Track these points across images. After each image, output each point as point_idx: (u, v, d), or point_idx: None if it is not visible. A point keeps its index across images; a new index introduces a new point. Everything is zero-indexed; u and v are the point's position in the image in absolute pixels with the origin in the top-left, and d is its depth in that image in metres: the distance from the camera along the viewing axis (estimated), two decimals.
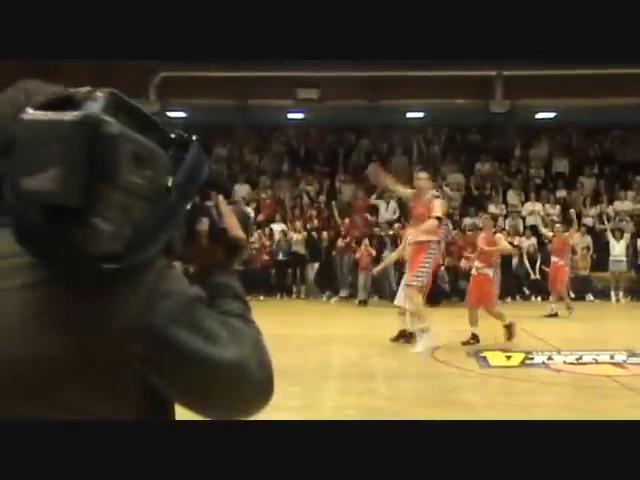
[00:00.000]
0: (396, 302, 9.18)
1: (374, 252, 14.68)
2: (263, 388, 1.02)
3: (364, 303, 14.44)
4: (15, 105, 1.03)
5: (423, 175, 9.02)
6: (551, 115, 20.54)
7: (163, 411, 1.04)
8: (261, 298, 14.31)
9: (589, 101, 18.85)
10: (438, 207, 8.49)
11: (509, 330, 9.07)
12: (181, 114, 21.06)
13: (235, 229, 1.13)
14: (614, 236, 15.72)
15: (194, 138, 1.05)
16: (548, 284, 13.45)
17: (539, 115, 20.51)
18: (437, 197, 8.77)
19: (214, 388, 0.98)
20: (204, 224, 1.10)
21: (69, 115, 0.90)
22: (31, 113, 0.92)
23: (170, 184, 0.96)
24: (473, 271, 9.48)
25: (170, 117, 20.70)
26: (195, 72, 18.35)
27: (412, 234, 8.69)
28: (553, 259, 13.14)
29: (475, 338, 9.03)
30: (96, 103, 0.95)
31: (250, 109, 20.51)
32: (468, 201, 17.66)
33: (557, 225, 13.70)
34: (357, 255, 14.86)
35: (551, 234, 13.64)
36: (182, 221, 1.03)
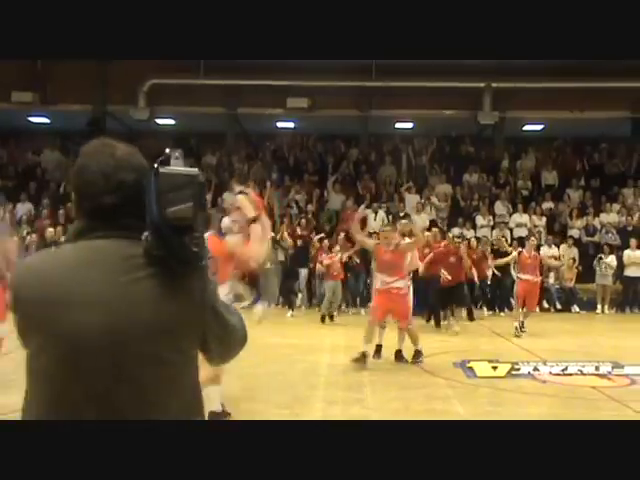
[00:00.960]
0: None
1: (345, 260, 13.99)
2: (244, 341, 1.79)
3: (330, 318, 13.12)
4: (115, 158, 1.63)
5: (388, 229, 8.88)
6: (539, 127, 20.72)
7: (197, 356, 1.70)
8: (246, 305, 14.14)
9: (577, 114, 19.04)
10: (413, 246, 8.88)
11: (417, 355, 8.59)
12: (170, 121, 21.04)
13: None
14: (602, 251, 15.87)
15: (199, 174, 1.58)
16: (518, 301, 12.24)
17: (527, 127, 20.69)
18: (403, 240, 8.87)
19: (226, 336, 1.72)
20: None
21: (193, 171, 1.55)
22: (164, 168, 1.53)
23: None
24: (380, 285, 8.49)
25: (159, 124, 20.70)
26: (184, 80, 18.36)
27: (384, 281, 8.39)
28: (526, 276, 11.92)
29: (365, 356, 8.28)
30: (180, 160, 1.57)
31: (240, 117, 20.52)
32: (456, 212, 17.73)
33: (532, 239, 12.87)
34: (326, 261, 13.77)
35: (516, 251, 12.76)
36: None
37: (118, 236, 1.58)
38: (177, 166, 1.56)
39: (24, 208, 17.52)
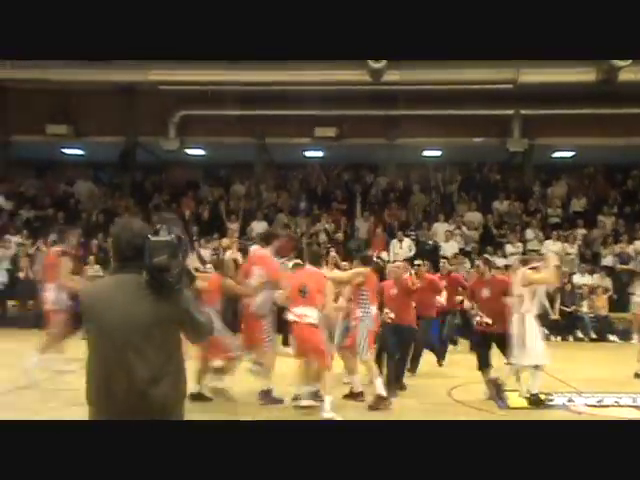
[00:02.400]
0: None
1: None
2: (209, 332, 3.14)
3: None
4: (132, 231, 2.98)
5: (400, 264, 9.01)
6: (569, 154, 20.50)
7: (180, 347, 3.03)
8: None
9: (608, 140, 18.82)
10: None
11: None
12: (200, 151, 21.30)
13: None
14: (637, 279, 15.49)
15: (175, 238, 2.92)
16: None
17: (557, 154, 20.48)
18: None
19: (196, 330, 3.03)
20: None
21: (170, 238, 2.85)
22: (154, 237, 2.86)
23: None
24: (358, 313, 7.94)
25: (189, 154, 20.97)
26: (214, 110, 18.61)
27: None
28: None
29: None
30: (166, 231, 3.49)
31: (268, 147, 20.70)
32: (486, 240, 17.56)
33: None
34: None
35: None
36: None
37: (133, 272, 2.92)
38: (163, 236, 2.90)
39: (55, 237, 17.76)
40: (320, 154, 21.20)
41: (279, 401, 7.73)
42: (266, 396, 7.77)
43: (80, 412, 3.06)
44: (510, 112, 18.77)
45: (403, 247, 16.45)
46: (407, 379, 8.96)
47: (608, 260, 16.84)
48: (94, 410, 2.95)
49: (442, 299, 10.12)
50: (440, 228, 17.50)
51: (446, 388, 8.77)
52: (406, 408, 7.66)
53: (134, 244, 2.92)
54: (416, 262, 10.26)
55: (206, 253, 15.46)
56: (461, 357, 11.13)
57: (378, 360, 8.28)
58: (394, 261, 12.73)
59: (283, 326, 9.01)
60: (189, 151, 20.76)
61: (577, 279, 16.16)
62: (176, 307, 2.89)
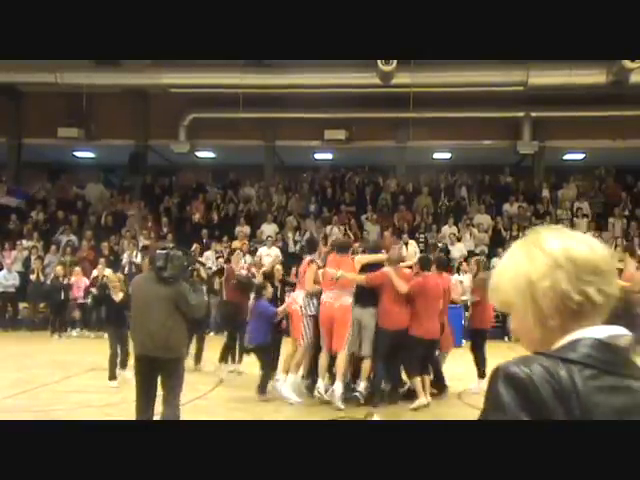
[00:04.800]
0: None
1: None
2: (201, 310, 5.81)
3: None
4: (164, 250, 5.70)
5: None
6: (580, 156, 20.43)
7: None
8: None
9: (618, 142, 18.75)
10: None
11: None
12: (210, 154, 21.38)
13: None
14: None
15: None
16: None
17: (567, 156, 20.42)
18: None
19: (187, 307, 5.38)
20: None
21: (166, 251, 5.54)
22: (158, 251, 5.62)
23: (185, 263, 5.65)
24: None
25: (199, 157, 21.05)
26: (224, 113, 18.69)
27: None
28: None
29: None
30: (187, 254, 5.94)
31: (278, 149, 20.75)
32: (496, 242, 17.51)
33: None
34: None
35: None
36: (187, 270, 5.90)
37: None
38: (164, 251, 5.47)
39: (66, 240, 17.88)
40: (330, 156, 21.23)
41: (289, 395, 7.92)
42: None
43: (89, 413, 3.08)
44: (520, 114, 18.74)
45: (409, 251, 16.38)
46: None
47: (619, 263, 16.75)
48: (136, 341, 5.53)
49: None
50: (449, 231, 17.46)
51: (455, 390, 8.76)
52: (418, 411, 7.64)
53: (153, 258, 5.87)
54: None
55: (211, 255, 15.58)
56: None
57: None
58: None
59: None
60: (199, 154, 20.85)
61: None
62: (172, 291, 5.30)
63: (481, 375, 8.53)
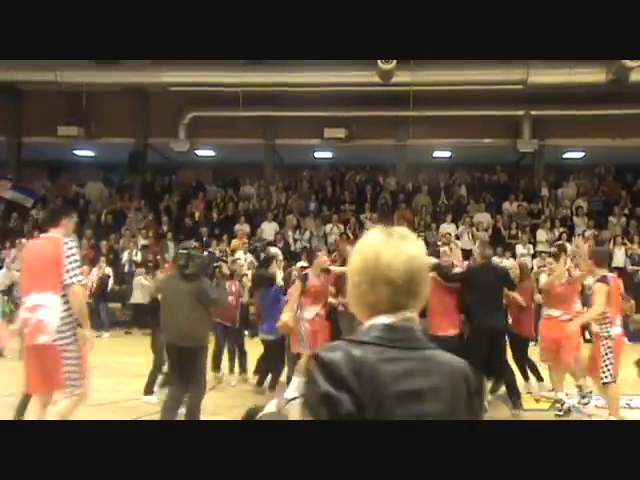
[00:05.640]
0: None
1: None
2: (220, 304, 6.50)
3: None
4: (189, 252, 6.13)
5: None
6: (580, 155, 20.43)
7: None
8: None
9: (618, 141, 18.74)
10: None
11: None
12: (209, 152, 21.37)
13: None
14: None
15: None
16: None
17: (567, 155, 20.41)
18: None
19: (208, 301, 5.95)
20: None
21: (187, 250, 6.04)
22: (180, 250, 6.15)
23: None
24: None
25: (199, 155, 21.04)
26: (224, 112, 18.68)
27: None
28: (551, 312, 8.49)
29: None
30: (200, 251, 6.40)
31: (278, 148, 20.74)
32: (495, 241, 17.49)
33: (548, 260, 9.31)
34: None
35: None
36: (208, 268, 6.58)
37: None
38: (198, 252, 6.10)
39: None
40: (330, 155, 21.22)
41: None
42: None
43: (92, 413, 3.08)
44: (520, 113, 18.73)
45: None
46: None
47: (619, 261, 16.74)
48: (165, 332, 6.07)
49: None
50: (447, 229, 17.46)
51: None
52: None
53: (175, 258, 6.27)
54: None
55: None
56: None
57: None
58: None
59: None
60: (199, 152, 20.84)
61: (587, 280, 16.05)
62: (194, 287, 5.80)
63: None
